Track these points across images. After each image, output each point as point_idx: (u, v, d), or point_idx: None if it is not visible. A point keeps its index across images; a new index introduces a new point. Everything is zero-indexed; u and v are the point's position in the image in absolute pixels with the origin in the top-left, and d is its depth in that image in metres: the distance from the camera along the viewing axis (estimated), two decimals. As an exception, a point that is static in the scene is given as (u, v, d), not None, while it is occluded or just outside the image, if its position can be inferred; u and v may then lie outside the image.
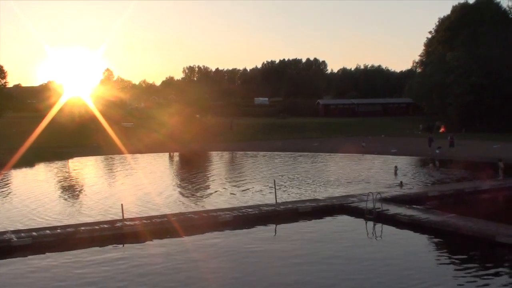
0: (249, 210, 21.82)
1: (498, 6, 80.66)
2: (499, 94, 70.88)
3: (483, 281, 13.80)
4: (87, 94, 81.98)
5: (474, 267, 15.08)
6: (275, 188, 24.41)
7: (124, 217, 20.09)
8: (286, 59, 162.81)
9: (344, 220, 21.30)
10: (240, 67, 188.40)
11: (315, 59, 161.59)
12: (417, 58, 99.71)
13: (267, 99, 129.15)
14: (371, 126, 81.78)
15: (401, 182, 30.34)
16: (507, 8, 79.57)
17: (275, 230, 20.12)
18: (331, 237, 18.61)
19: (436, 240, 18.26)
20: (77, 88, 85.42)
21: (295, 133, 73.88)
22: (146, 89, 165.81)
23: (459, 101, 74.25)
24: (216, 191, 29.02)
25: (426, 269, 14.92)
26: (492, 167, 33.23)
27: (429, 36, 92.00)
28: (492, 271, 14.77)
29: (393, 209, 21.27)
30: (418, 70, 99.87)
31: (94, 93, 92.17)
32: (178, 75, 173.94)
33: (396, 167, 36.14)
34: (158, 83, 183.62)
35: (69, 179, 36.28)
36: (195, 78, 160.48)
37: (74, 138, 61.33)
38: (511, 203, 26.14)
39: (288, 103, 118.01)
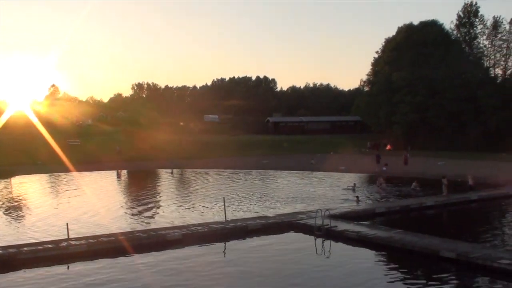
0: (199, 228, 21.62)
1: (441, 27, 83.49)
2: (442, 113, 73.11)
3: (429, 296, 14.08)
4: (32, 111, 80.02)
5: (420, 282, 15.37)
6: (224, 205, 24.34)
7: (70, 237, 19.57)
8: (236, 77, 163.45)
9: (293, 237, 21.37)
10: (190, 84, 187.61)
11: (265, 77, 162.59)
12: (365, 77, 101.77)
13: (217, 116, 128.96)
14: (320, 144, 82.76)
15: (358, 197, 30.93)
16: (450, 30, 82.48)
17: (225, 248, 19.99)
18: (280, 254, 18.60)
19: (383, 255, 18.55)
20: (21, 104, 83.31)
21: (245, 150, 73.97)
22: (94, 106, 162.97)
23: (404, 119, 76.20)
24: (165, 209, 28.68)
25: (374, 284, 15.09)
26: (436, 183, 34.11)
27: (376, 56, 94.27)
28: (437, 284, 15.11)
29: (342, 226, 21.49)
30: (366, 89, 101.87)
31: (39, 109, 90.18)
32: (127, 92, 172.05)
33: (354, 184, 36.94)
34: (106, 99, 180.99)
35: (12, 198, 35.11)
36: (144, 95, 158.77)
37: (18, 156, 59.52)
38: (455, 219, 26.87)
39: (238, 120, 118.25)
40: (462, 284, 15.63)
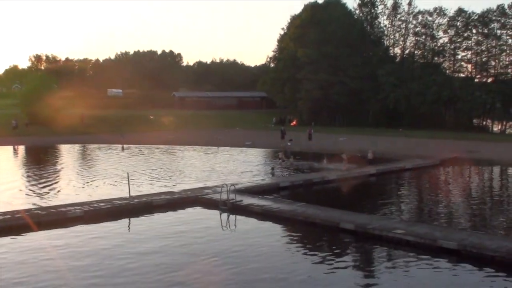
0: (101, 204, 21.03)
1: (344, 7, 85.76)
2: (345, 90, 75.58)
3: (330, 264, 14.58)
4: None
5: (322, 252, 15.89)
6: (128, 181, 23.79)
7: (-40, 216, 18.40)
8: (141, 50, 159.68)
9: (198, 212, 21.34)
10: (92, 57, 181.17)
11: (171, 51, 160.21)
12: (271, 54, 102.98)
13: (121, 90, 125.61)
14: (226, 119, 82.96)
15: (273, 168, 31.43)
16: (353, 9, 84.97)
17: (129, 224, 19.60)
18: (185, 229, 18.49)
19: (287, 228, 18.98)
20: None
21: (150, 125, 72.66)
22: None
23: (309, 96, 78.08)
24: (65, 186, 27.67)
25: (278, 257, 15.39)
26: (338, 158, 35.28)
27: (282, 32, 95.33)
28: (337, 254, 15.71)
29: (247, 200, 21.72)
30: (272, 65, 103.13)
31: None
32: (24, 64, 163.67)
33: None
34: (0, 71, 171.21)
35: None
36: (42, 67, 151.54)
37: None
38: (354, 192, 27.94)
39: (143, 95, 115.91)
40: (360, 253, 16.32)
